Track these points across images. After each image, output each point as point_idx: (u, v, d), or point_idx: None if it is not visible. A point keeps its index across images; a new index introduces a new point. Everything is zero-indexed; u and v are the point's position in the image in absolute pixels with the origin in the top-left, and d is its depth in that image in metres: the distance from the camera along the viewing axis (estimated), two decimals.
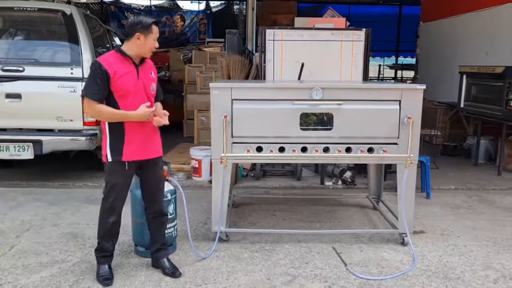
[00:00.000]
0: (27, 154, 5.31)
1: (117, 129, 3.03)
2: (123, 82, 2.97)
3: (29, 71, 5.26)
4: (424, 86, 3.72)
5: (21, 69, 5.24)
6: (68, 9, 5.46)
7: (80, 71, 5.29)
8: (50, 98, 5.29)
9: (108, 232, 3.20)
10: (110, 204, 3.15)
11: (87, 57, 5.35)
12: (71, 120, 5.31)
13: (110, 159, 3.06)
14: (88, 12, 7.15)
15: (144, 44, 2.98)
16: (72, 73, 5.29)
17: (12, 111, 5.24)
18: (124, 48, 3.03)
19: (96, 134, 5.39)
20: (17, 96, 5.23)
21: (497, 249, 3.89)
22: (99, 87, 2.92)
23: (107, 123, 3.05)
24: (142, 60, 3.10)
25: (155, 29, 3.01)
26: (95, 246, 3.29)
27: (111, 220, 3.17)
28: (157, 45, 3.05)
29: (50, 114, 5.29)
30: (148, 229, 3.40)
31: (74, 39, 5.39)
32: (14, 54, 5.48)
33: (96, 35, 5.97)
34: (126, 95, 3.00)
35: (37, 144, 5.29)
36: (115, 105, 2.99)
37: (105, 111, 2.98)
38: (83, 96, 3.05)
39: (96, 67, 2.93)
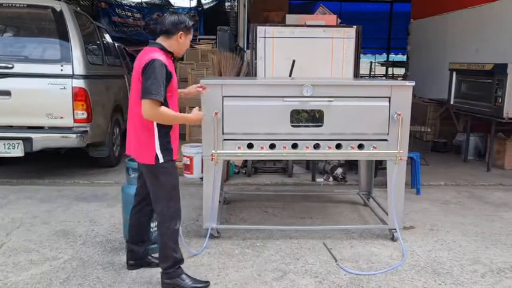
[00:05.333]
0: (17, 151, 5.27)
1: (165, 128, 2.96)
2: (174, 82, 2.98)
3: (19, 68, 5.22)
4: (413, 83, 3.75)
5: (11, 66, 5.19)
6: (58, 6, 5.41)
7: (70, 67, 5.26)
8: (40, 95, 5.25)
9: (177, 240, 3.07)
10: (175, 208, 3.05)
11: (77, 54, 5.32)
12: (61, 117, 5.28)
13: (161, 160, 2.93)
14: (78, 8, 7.11)
15: (183, 43, 3.03)
16: (62, 70, 5.26)
17: (2, 108, 5.20)
18: (165, 45, 2.99)
19: (87, 131, 5.37)
20: (7, 93, 5.18)
21: (485, 244, 3.94)
22: (164, 89, 2.84)
23: (156, 123, 2.91)
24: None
25: (192, 31, 3.09)
26: (85, 244, 3.27)
27: (178, 225, 3.07)
28: (188, 46, 3.16)
29: (40, 111, 5.25)
30: (136, 225, 3.29)
31: (64, 36, 5.35)
32: (3, 51, 5.42)
33: (86, 32, 5.93)
34: (173, 94, 3.01)
35: (27, 141, 5.25)
36: (166, 106, 2.91)
37: (171, 113, 2.90)
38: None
39: (161, 67, 2.82)
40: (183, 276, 3.07)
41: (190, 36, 3.08)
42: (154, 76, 2.80)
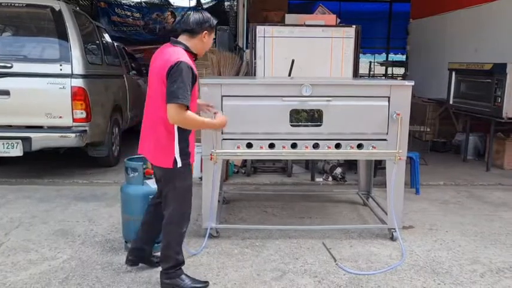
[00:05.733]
0: (16, 151, 5.26)
1: (185, 132, 2.91)
2: (197, 85, 2.90)
3: (18, 67, 5.21)
4: (412, 83, 3.75)
5: (10, 65, 5.19)
6: (57, 5, 5.40)
7: (69, 67, 5.26)
8: (39, 95, 5.25)
9: (181, 242, 3.07)
10: (185, 211, 3.03)
11: (76, 54, 5.32)
12: (60, 117, 5.28)
13: (180, 164, 2.89)
14: (77, 8, 7.10)
15: (207, 42, 2.97)
16: (61, 69, 5.25)
17: (1, 108, 5.19)
18: (189, 45, 2.91)
19: (86, 130, 5.37)
20: (6, 93, 5.17)
21: (484, 243, 3.94)
22: (190, 92, 2.77)
23: (176, 126, 2.85)
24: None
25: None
26: (84, 243, 3.27)
27: (185, 228, 3.05)
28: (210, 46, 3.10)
29: (39, 111, 5.25)
30: (150, 223, 3.24)
31: (63, 36, 5.35)
32: (2, 50, 5.41)
33: (85, 32, 5.92)
34: (195, 97, 2.95)
35: (26, 141, 5.24)
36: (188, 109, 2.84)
37: (197, 119, 2.85)
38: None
39: (188, 70, 2.74)
40: (183, 276, 3.06)
41: (213, 35, 3.02)
42: (182, 79, 2.70)
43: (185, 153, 2.93)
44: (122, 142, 6.77)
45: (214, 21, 2.99)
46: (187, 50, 2.89)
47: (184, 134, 2.91)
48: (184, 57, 2.79)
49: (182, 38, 2.93)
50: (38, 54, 5.45)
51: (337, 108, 3.72)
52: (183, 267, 3.10)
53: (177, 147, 2.88)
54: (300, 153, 3.81)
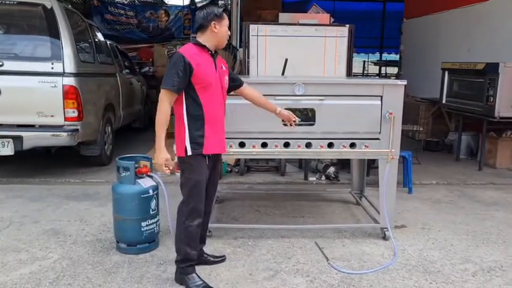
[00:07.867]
0: (7, 150, 5.22)
1: (196, 121, 2.96)
2: (205, 74, 2.94)
3: (9, 65, 5.17)
4: (405, 82, 3.75)
5: (1, 63, 5.14)
6: (49, 3, 5.35)
7: (60, 65, 5.22)
8: (31, 93, 5.21)
9: (193, 237, 3.09)
10: (194, 205, 3.03)
11: (68, 52, 5.28)
12: (52, 115, 5.24)
13: (190, 153, 2.94)
14: (70, 6, 7.05)
15: (220, 32, 3.02)
16: (52, 68, 5.22)
17: None
18: (200, 40, 3.00)
19: (78, 129, 5.33)
20: None
21: (476, 242, 3.95)
22: (179, 80, 2.84)
23: (185, 113, 2.95)
24: (216, 52, 3.10)
25: (226, 16, 3.06)
26: (75, 243, 3.25)
27: (195, 223, 3.05)
28: (229, 32, 3.13)
29: (31, 109, 5.20)
30: None
31: (54, 34, 5.31)
32: None
33: (77, 30, 5.88)
34: (207, 86, 2.97)
35: (17, 140, 5.20)
36: (196, 98, 2.92)
37: (165, 111, 2.88)
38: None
39: (177, 59, 2.86)
40: (194, 275, 3.08)
41: (225, 22, 3.04)
42: (170, 67, 2.87)
43: (196, 142, 2.96)
44: (114, 141, 6.74)
45: (219, 10, 3.03)
46: (196, 44, 2.99)
47: (195, 122, 2.96)
48: (184, 49, 2.93)
49: (197, 36, 3.05)
50: (29, 53, 5.39)
51: (330, 108, 3.71)
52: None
53: (188, 135, 2.95)
54: (293, 152, 3.80)
